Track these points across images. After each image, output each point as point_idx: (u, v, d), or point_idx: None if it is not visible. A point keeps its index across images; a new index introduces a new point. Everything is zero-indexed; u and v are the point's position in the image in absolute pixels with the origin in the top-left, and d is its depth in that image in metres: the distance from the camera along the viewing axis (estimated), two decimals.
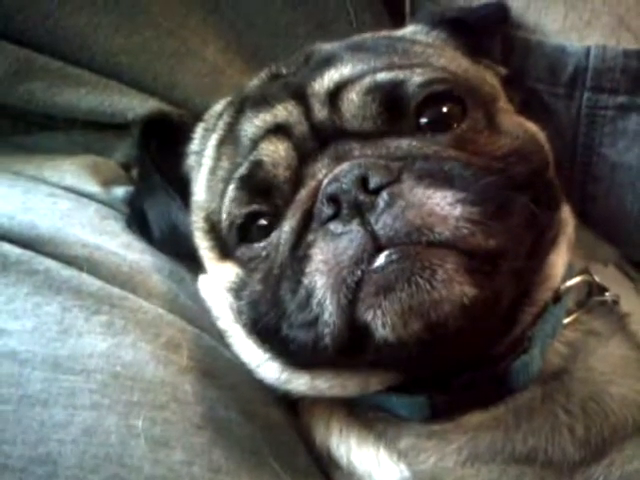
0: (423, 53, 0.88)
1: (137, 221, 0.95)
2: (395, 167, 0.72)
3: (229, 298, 0.86)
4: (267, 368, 0.84)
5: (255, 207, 0.81)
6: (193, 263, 0.93)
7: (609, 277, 0.93)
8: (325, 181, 0.75)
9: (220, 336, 0.89)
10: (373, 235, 0.69)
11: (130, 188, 0.99)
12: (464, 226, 0.69)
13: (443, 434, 0.80)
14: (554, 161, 0.86)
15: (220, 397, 0.82)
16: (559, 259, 0.85)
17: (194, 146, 0.96)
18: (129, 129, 1.03)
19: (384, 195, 0.70)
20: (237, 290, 0.84)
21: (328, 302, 0.71)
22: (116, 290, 0.83)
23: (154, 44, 1.05)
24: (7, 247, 0.80)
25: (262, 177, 0.80)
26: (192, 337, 0.85)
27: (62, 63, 1.00)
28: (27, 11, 0.98)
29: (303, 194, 0.78)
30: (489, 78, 0.91)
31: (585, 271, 0.91)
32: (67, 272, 0.81)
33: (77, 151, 1.02)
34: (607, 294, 0.91)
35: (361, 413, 0.85)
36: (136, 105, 1.02)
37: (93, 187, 0.96)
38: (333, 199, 0.72)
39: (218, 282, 0.87)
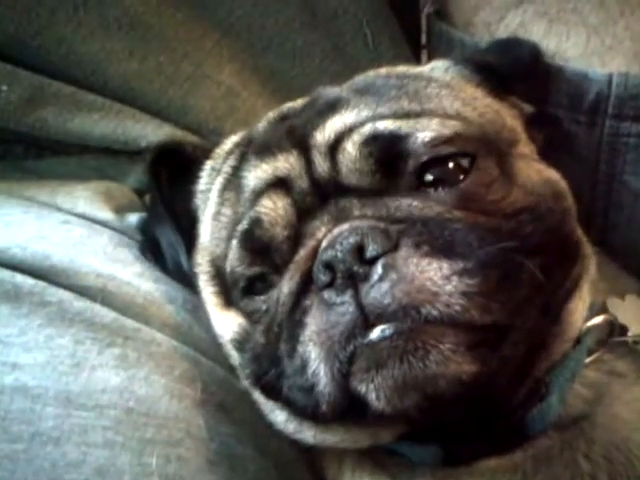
0: (437, 95, 0.83)
1: (151, 248, 0.93)
2: (394, 231, 0.70)
3: (231, 350, 0.84)
4: (276, 417, 0.82)
5: (256, 269, 0.79)
6: None
7: (629, 310, 0.90)
8: (323, 243, 0.72)
9: (233, 367, 0.88)
10: (364, 310, 0.67)
11: (143, 214, 0.98)
12: (457, 302, 0.66)
13: (458, 477, 0.78)
14: (575, 193, 0.83)
15: (234, 432, 0.81)
16: (580, 304, 0.81)
17: (201, 185, 0.94)
18: (142, 154, 1.02)
19: (378, 267, 0.68)
20: (240, 342, 0.82)
21: (322, 373, 0.69)
22: (130, 322, 0.82)
23: (168, 68, 1.04)
24: (20, 278, 0.79)
25: (260, 236, 0.78)
26: (206, 370, 0.84)
27: (75, 88, 0.99)
28: (41, 37, 0.97)
29: (302, 254, 0.76)
30: (509, 120, 0.86)
31: (605, 309, 0.87)
32: (80, 303, 0.80)
33: (90, 176, 1.02)
34: (629, 334, 0.87)
35: (374, 453, 0.83)
36: (149, 132, 1.01)
37: (106, 214, 0.95)
38: (329, 266, 0.70)
39: (221, 330, 0.86)
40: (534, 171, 0.82)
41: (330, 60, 1.05)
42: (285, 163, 0.80)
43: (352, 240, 0.70)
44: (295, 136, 0.82)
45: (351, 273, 0.69)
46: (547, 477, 0.77)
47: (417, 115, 0.78)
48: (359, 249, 0.69)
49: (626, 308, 0.89)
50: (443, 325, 0.66)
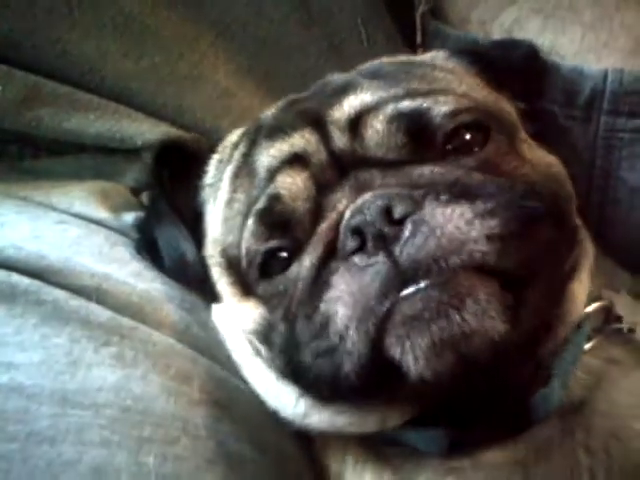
0: (444, 79, 0.86)
1: (147, 247, 0.93)
2: (418, 195, 0.71)
3: (254, 341, 0.84)
4: (287, 403, 0.82)
5: (274, 242, 0.79)
6: (204, 291, 0.91)
7: (623, 304, 0.91)
8: (347, 213, 0.73)
9: (232, 366, 0.87)
10: (399, 267, 0.68)
11: (140, 213, 0.98)
12: (482, 248, 0.67)
13: (461, 471, 0.78)
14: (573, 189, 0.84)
15: (232, 430, 0.81)
16: (581, 289, 0.83)
17: (208, 179, 0.94)
18: (139, 153, 1.02)
19: (408, 225, 0.69)
20: (264, 334, 0.81)
21: (351, 332, 0.68)
22: (126, 320, 0.81)
23: (164, 68, 1.04)
24: (15, 277, 0.79)
25: (280, 211, 0.78)
26: (203, 368, 0.83)
27: (71, 88, 0.99)
28: (36, 37, 0.97)
29: (324, 227, 0.76)
30: (508, 108, 0.89)
31: (600, 297, 0.89)
32: (76, 302, 0.80)
33: (86, 176, 1.01)
34: (623, 322, 0.88)
35: (377, 447, 0.83)
36: (146, 130, 1.00)
37: (102, 213, 0.94)
38: (357, 232, 0.70)
39: (241, 321, 0.85)
40: (538, 154, 0.84)
41: (325, 59, 1.05)
42: (301, 139, 0.80)
43: (380, 203, 0.70)
44: (309, 115, 0.82)
45: (382, 235, 0.69)
46: (547, 471, 0.77)
47: (430, 93, 0.80)
48: (387, 212, 0.70)
49: (620, 301, 0.90)
50: (473, 274, 0.67)
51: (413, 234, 0.68)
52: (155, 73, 1.03)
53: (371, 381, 0.70)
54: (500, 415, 0.78)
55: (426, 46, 1.19)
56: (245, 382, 0.87)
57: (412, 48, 1.24)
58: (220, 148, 0.95)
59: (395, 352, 0.67)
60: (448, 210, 0.69)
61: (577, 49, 0.98)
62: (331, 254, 0.73)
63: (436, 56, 0.94)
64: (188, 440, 0.76)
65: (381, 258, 0.69)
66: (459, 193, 0.71)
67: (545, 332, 0.78)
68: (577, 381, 0.82)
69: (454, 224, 0.68)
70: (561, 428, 0.79)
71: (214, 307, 0.91)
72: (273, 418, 0.85)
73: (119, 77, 1.02)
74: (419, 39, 1.25)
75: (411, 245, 0.68)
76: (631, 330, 0.89)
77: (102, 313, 0.80)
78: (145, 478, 0.71)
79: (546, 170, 0.82)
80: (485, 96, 0.87)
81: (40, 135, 0.99)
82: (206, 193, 0.93)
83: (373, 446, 0.84)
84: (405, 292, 0.67)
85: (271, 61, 1.12)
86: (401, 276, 0.68)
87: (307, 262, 0.75)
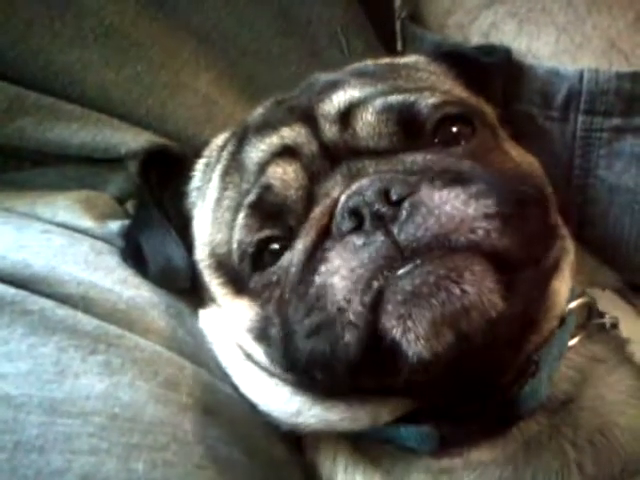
0: (427, 79, 0.88)
1: (132, 255, 0.93)
2: (413, 180, 0.72)
3: (246, 344, 0.84)
4: (280, 402, 0.82)
5: (267, 232, 0.79)
6: (191, 297, 0.92)
7: (607, 302, 0.93)
8: (343, 197, 0.73)
9: (220, 371, 0.87)
10: (398, 246, 0.68)
11: (125, 222, 0.98)
12: (479, 226, 0.68)
13: (452, 471, 0.79)
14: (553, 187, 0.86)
15: (221, 435, 0.81)
16: (563, 285, 0.84)
17: (195, 183, 0.94)
18: (122, 162, 1.02)
19: (406, 205, 0.69)
20: (261, 329, 0.81)
21: (351, 302, 0.68)
22: (112, 328, 0.81)
23: (146, 77, 1.04)
24: (1, 287, 0.78)
25: (272, 201, 0.78)
26: (191, 374, 0.83)
27: (53, 99, 0.99)
28: (18, 48, 0.97)
29: (318, 212, 0.76)
30: (488, 110, 0.91)
31: (584, 294, 0.90)
32: (62, 311, 0.79)
33: (70, 186, 1.01)
34: (606, 317, 0.90)
35: (367, 449, 0.83)
36: (129, 139, 1.01)
37: (87, 222, 0.94)
38: (355, 212, 0.71)
39: (236, 321, 0.85)
40: (520, 152, 0.86)
41: (306, 66, 1.05)
42: (291, 132, 0.81)
43: (378, 185, 0.71)
44: (298, 111, 0.83)
45: (380, 215, 0.69)
46: (537, 468, 0.77)
47: (416, 89, 0.82)
48: (385, 193, 0.70)
49: (605, 298, 0.91)
50: (471, 253, 0.67)
51: (411, 214, 0.68)
52: (137, 82, 1.04)
53: (368, 358, 0.69)
54: (488, 410, 0.79)
55: (406, 52, 1.21)
56: (233, 387, 0.86)
57: (392, 56, 1.25)
58: (206, 152, 0.96)
59: (393, 329, 0.66)
60: (444, 192, 0.69)
61: (552, 51, 0.99)
62: (325, 238, 0.73)
63: (417, 59, 0.96)
64: (177, 446, 0.76)
65: (379, 237, 0.69)
66: (453, 178, 0.71)
67: (530, 324, 0.79)
68: (563, 377, 0.83)
69: (451, 204, 0.69)
70: (548, 424, 0.80)
71: (201, 313, 0.91)
72: (262, 422, 0.85)
73: (101, 87, 1.02)
74: (400, 46, 1.27)
75: (410, 224, 0.68)
76: (614, 325, 0.91)
77: (89, 322, 0.80)
78: None
79: (528, 167, 0.84)
80: (468, 97, 0.89)
81: (23, 146, 0.99)
82: (194, 197, 0.93)
83: (364, 449, 0.84)
84: (404, 269, 0.67)
85: (252, 69, 1.13)
86: (400, 254, 0.67)
87: (300, 246, 0.75)
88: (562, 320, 0.84)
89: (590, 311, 0.90)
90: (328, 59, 1.16)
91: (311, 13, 1.16)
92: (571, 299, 0.87)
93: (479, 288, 0.66)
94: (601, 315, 0.90)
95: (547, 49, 1.00)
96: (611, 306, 0.94)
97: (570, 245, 0.88)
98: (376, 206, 0.70)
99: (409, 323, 0.66)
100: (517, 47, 1.01)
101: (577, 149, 1.01)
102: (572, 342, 0.85)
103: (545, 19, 0.99)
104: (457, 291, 0.65)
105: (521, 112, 1.02)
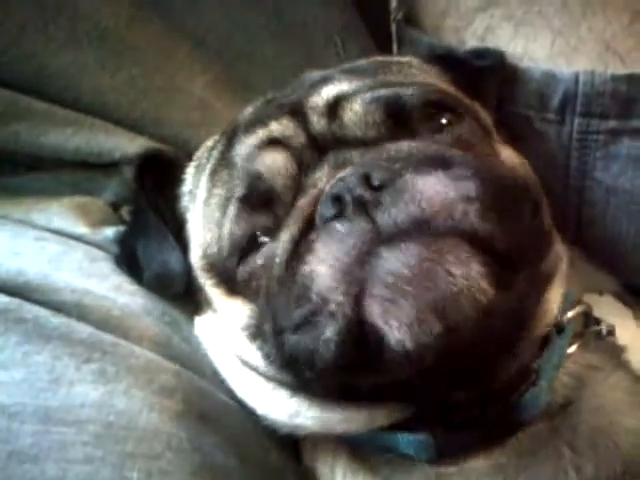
0: (419, 75, 0.89)
1: (127, 260, 0.93)
2: (397, 166, 0.71)
3: (243, 345, 0.83)
4: (278, 404, 0.82)
5: (258, 223, 0.78)
6: (186, 304, 0.91)
7: (606, 306, 0.92)
8: (327, 187, 0.73)
9: (216, 378, 0.87)
10: (381, 231, 0.67)
11: (120, 228, 0.97)
12: (461, 209, 0.67)
13: (449, 477, 0.78)
14: (547, 191, 0.85)
15: (217, 442, 0.81)
16: (554, 295, 0.83)
17: (187, 186, 0.94)
18: (117, 168, 1.02)
19: (388, 190, 0.68)
20: (256, 326, 0.80)
21: (335, 291, 0.66)
22: (107, 336, 0.81)
23: (140, 81, 1.04)
24: None
25: (262, 189, 0.78)
26: (186, 381, 0.83)
27: (48, 104, 0.98)
28: (11, 52, 0.97)
29: (303, 202, 0.76)
30: (482, 114, 0.91)
31: (581, 302, 0.90)
32: (56, 319, 0.79)
33: (65, 191, 1.01)
34: (603, 324, 0.89)
35: (366, 457, 0.83)
36: (124, 144, 1.00)
37: (81, 228, 0.94)
38: (337, 198, 0.70)
39: (231, 320, 0.84)
40: (512, 155, 0.86)
41: (301, 69, 1.05)
42: (279, 126, 0.82)
43: (360, 171, 0.71)
44: (287, 106, 0.84)
45: (362, 201, 0.68)
46: (533, 471, 0.77)
47: (406, 84, 0.83)
48: (366, 179, 0.70)
49: (602, 304, 0.91)
50: (455, 236, 0.66)
51: (393, 199, 0.67)
52: (132, 86, 1.03)
53: (353, 351, 0.67)
54: (488, 418, 0.78)
55: (401, 54, 1.21)
56: (229, 394, 0.86)
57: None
58: (198, 154, 0.96)
59: (376, 316, 0.65)
60: (427, 177, 0.69)
61: (548, 54, 0.99)
62: (310, 228, 0.72)
63: (412, 59, 0.96)
64: (172, 454, 0.75)
65: (362, 223, 0.68)
66: (437, 163, 0.71)
67: (522, 325, 0.78)
68: (560, 384, 0.83)
69: (433, 189, 0.68)
70: (547, 428, 0.80)
71: (197, 319, 0.91)
72: (259, 429, 0.84)
73: (96, 91, 1.02)
74: (395, 48, 1.26)
75: (392, 209, 0.67)
76: (610, 332, 0.90)
77: (83, 329, 0.80)
78: None
79: (519, 167, 0.84)
80: (462, 97, 0.89)
81: (18, 150, 0.99)
82: (186, 200, 0.93)
83: (362, 456, 0.83)
84: (387, 254, 0.66)
85: (247, 72, 1.13)
86: (383, 239, 0.66)
87: (286, 236, 0.75)
88: (561, 328, 0.84)
89: (587, 319, 0.89)
90: (323, 62, 1.15)
91: (306, 16, 1.16)
92: (569, 307, 0.87)
93: (465, 272, 0.64)
94: (598, 322, 0.90)
95: (543, 52, 0.99)
96: (610, 310, 0.94)
97: (562, 255, 0.87)
98: (357, 191, 0.69)
99: (392, 309, 0.64)
100: (513, 50, 1.00)
101: (574, 151, 1.01)
102: (570, 350, 0.85)
103: (541, 22, 0.99)
104: (444, 275, 0.64)
105: (518, 115, 1.01)
